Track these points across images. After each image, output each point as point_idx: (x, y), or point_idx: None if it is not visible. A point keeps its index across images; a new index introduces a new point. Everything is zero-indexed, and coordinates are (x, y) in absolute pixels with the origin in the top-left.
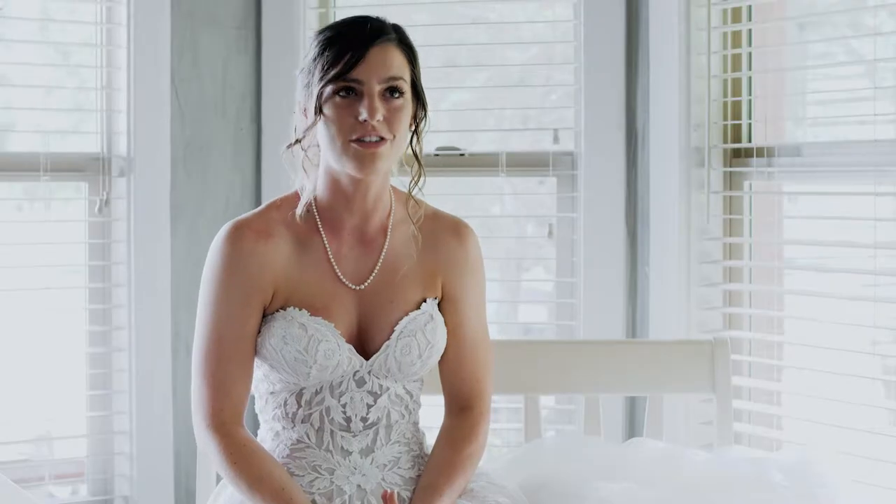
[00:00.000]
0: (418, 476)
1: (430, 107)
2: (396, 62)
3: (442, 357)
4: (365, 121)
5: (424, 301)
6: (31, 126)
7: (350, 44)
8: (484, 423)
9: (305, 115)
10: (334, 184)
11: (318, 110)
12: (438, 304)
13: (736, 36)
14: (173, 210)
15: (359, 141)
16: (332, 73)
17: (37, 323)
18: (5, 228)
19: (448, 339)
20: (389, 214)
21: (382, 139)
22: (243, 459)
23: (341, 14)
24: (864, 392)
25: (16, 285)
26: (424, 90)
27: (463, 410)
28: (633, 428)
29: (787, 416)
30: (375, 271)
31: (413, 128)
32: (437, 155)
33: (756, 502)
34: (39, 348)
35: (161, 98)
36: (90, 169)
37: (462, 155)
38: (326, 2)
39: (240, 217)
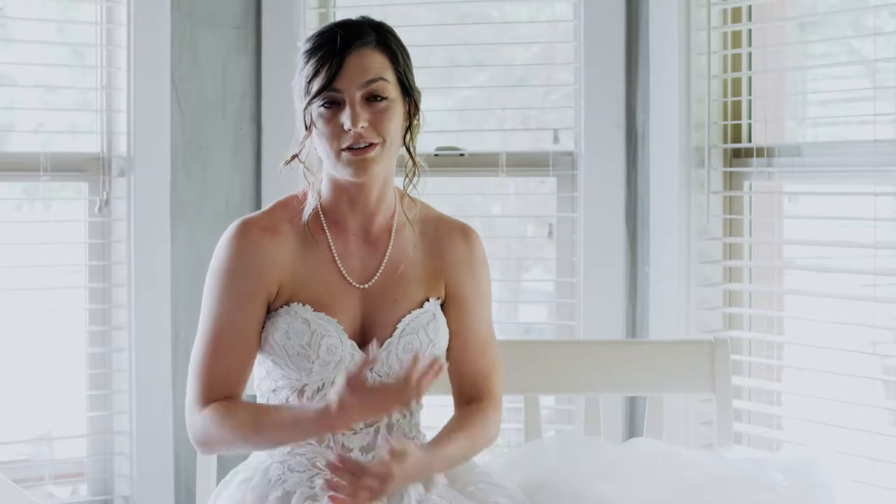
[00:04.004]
0: None
1: (430, 107)
2: (375, 65)
3: (450, 358)
4: (349, 129)
5: (427, 300)
6: (31, 126)
7: (326, 55)
8: (494, 407)
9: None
10: (337, 186)
11: (308, 124)
12: (444, 306)
13: (736, 36)
14: (173, 210)
15: (349, 149)
16: (313, 89)
17: (37, 323)
18: (5, 228)
19: (455, 340)
20: (394, 214)
21: (372, 144)
22: (233, 409)
23: (341, 14)
24: (864, 392)
25: (16, 285)
26: (417, 87)
27: (471, 401)
28: (633, 428)
29: (787, 416)
30: (380, 270)
31: (406, 125)
32: (437, 155)
33: (756, 502)
34: (40, 348)
35: (161, 98)
36: (90, 169)
37: (462, 155)
38: (326, 2)
39: (248, 215)
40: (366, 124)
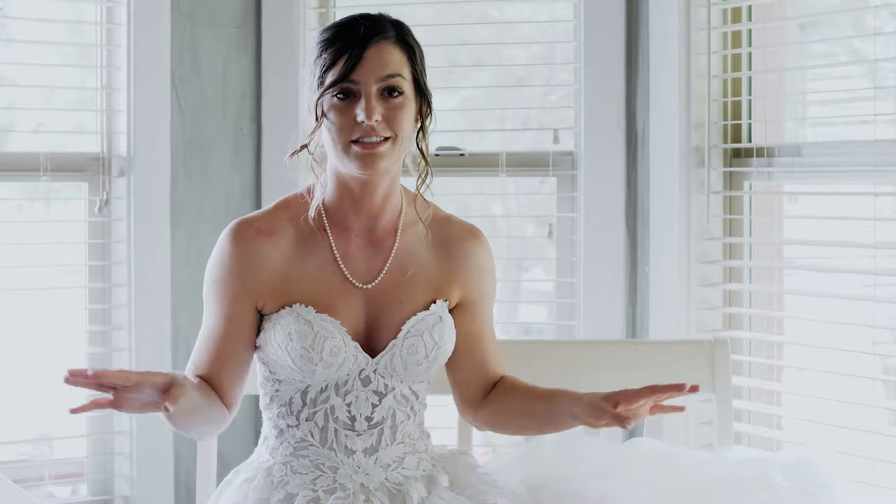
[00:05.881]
0: (423, 475)
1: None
2: (394, 61)
3: (460, 363)
4: (363, 121)
5: (434, 302)
6: (31, 126)
7: (346, 46)
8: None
9: (310, 115)
10: (341, 185)
11: (320, 114)
12: (454, 309)
13: (736, 36)
14: (173, 210)
15: (359, 142)
16: (330, 77)
17: (37, 323)
18: (5, 228)
19: (465, 341)
20: (400, 214)
21: (384, 139)
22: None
23: (341, 14)
24: (864, 392)
25: (16, 285)
26: (429, 88)
27: (490, 383)
28: (633, 428)
29: (787, 416)
30: (385, 271)
31: (418, 124)
32: (437, 155)
33: (756, 502)
34: (39, 348)
35: (161, 98)
36: (90, 169)
37: (462, 155)
38: (326, 2)
39: (247, 215)
40: (379, 118)
